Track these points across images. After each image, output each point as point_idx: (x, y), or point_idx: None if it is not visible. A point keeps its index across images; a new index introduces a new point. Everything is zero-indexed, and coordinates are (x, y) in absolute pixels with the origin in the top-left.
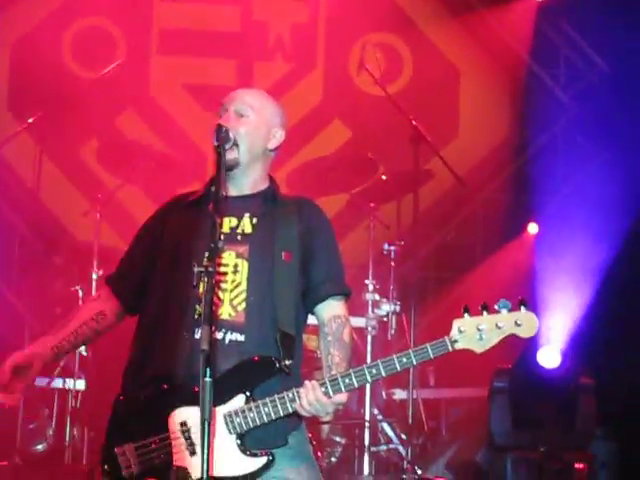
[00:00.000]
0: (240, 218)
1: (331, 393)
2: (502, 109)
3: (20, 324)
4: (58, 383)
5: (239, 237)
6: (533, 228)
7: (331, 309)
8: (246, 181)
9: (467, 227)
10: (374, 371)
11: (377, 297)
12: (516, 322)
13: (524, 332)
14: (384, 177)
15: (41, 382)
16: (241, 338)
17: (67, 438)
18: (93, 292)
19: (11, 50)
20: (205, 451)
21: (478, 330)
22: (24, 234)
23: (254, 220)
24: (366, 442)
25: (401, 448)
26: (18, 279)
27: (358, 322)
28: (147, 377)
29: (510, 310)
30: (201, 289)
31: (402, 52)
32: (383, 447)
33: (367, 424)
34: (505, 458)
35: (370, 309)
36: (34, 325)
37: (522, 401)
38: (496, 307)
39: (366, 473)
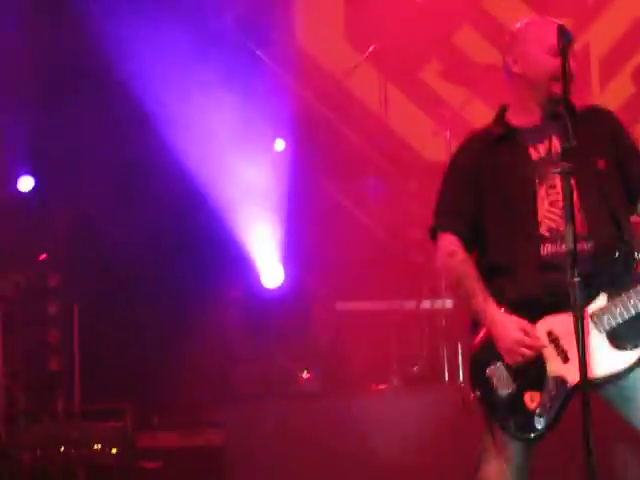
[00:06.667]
0: (550, 140)
1: None
2: None
3: (376, 246)
4: (426, 304)
5: (554, 158)
6: None
7: None
8: None
9: None
10: None
11: None
12: None
13: None
14: None
15: (410, 305)
16: (588, 246)
17: (444, 357)
18: None
19: None
20: (582, 350)
21: None
22: (377, 162)
23: (561, 138)
24: None
25: None
26: (373, 205)
27: None
28: (506, 302)
29: None
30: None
31: None
32: None
33: None
34: None
35: None
36: (393, 247)
37: None
38: None
39: None
